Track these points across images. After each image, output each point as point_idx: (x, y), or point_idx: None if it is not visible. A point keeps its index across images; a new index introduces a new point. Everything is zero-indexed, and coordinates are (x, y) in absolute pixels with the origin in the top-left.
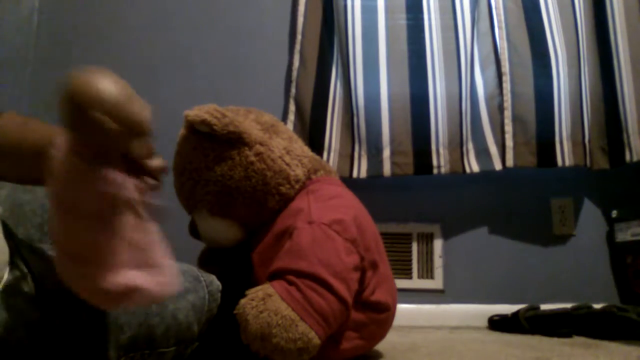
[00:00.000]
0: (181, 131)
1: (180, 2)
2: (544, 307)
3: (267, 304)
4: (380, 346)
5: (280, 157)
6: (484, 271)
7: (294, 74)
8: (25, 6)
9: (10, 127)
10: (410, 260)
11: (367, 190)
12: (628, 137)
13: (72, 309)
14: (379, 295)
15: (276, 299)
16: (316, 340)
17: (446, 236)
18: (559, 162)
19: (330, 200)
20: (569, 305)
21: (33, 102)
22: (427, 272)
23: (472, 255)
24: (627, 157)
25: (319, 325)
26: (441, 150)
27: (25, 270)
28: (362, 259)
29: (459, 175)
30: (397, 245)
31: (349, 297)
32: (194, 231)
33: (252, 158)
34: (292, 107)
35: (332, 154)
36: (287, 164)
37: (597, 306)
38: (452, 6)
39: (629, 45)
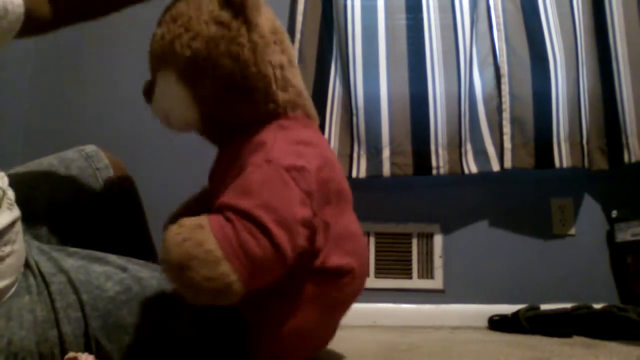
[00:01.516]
0: None
1: None
2: (544, 307)
3: (194, 234)
4: (381, 346)
5: (272, 65)
6: (484, 271)
7: None
8: None
9: None
10: (410, 260)
11: (367, 190)
12: (627, 138)
13: (75, 311)
14: (336, 259)
15: (207, 231)
16: (237, 286)
17: (446, 236)
18: (557, 164)
19: (298, 144)
20: (569, 305)
21: (33, 102)
22: (427, 272)
23: (472, 255)
24: (626, 158)
25: (245, 270)
26: (440, 151)
27: (37, 271)
28: (314, 215)
29: (458, 175)
30: (397, 245)
31: (288, 249)
32: (148, 91)
33: (245, 42)
34: None
35: None
36: (274, 78)
37: (597, 306)
38: (451, 6)
39: (628, 46)
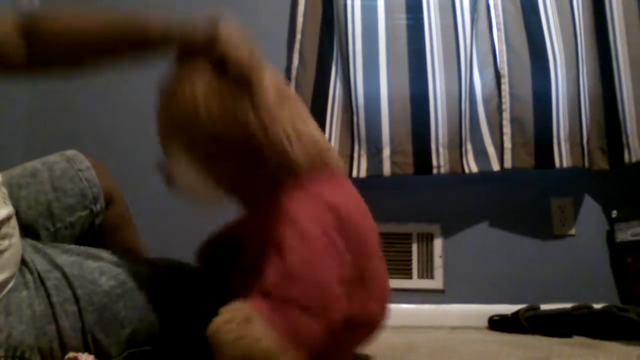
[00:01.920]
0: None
1: (180, 2)
2: (544, 307)
3: (248, 329)
4: (381, 346)
5: (285, 132)
6: (484, 271)
7: (293, 73)
8: (25, 7)
9: (68, 16)
10: (410, 260)
11: (367, 190)
12: (627, 137)
13: (71, 305)
14: (364, 308)
15: (259, 325)
16: None
17: (446, 236)
18: (557, 164)
19: (324, 206)
20: (569, 305)
21: (33, 102)
22: (427, 272)
23: (472, 255)
24: (626, 158)
25: (300, 352)
26: (441, 150)
27: (33, 267)
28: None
29: (458, 175)
30: (397, 245)
31: (336, 323)
32: (167, 175)
33: (254, 120)
34: None
35: None
36: (288, 139)
37: (597, 306)
38: (452, 6)
39: (628, 46)
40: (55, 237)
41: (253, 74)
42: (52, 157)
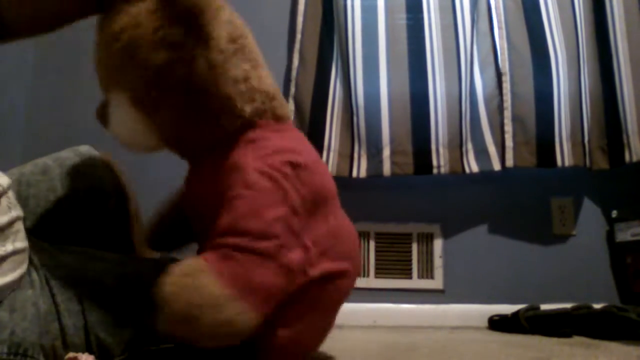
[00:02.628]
0: None
1: None
2: (544, 307)
3: (192, 280)
4: (381, 346)
5: (234, 81)
6: (484, 271)
7: (293, 73)
8: None
9: None
10: (410, 260)
11: (367, 190)
12: (628, 137)
13: (75, 304)
14: (326, 265)
15: (204, 274)
16: (252, 321)
17: (446, 236)
18: (559, 163)
19: (272, 155)
20: (569, 305)
21: (33, 102)
22: (427, 272)
23: (472, 255)
24: (627, 158)
25: (258, 302)
26: (441, 150)
27: (38, 265)
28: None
29: (459, 175)
30: (397, 245)
31: (294, 266)
32: (103, 114)
33: (203, 64)
34: (291, 107)
35: (331, 154)
36: (239, 93)
37: (597, 306)
38: (452, 5)
39: (629, 45)
40: (64, 235)
41: (204, 23)
42: (65, 153)
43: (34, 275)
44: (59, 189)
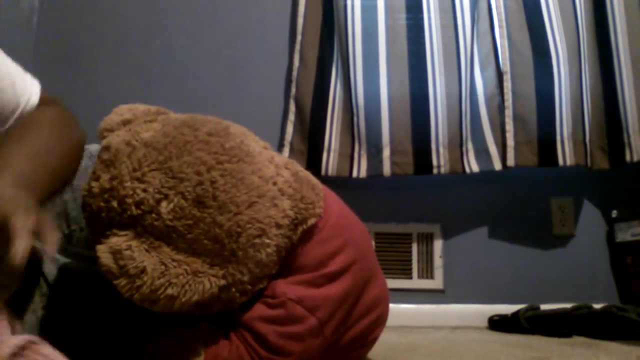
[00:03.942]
0: None
1: (180, 3)
2: (544, 307)
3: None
4: (380, 346)
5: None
6: (484, 271)
7: (294, 73)
8: (25, 6)
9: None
10: (410, 260)
11: (367, 190)
12: (628, 136)
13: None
14: (357, 330)
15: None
16: None
17: (446, 236)
18: (560, 162)
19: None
20: (569, 305)
21: None
22: (427, 272)
23: (472, 255)
24: (627, 157)
25: None
26: (441, 150)
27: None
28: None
29: (459, 175)
30: (397, 245)
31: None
32: None
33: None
34: (292, 107)
35: (332, 154)
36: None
37: (597, 306)
38: (452, 6)
39: (630, 45)
40: (70, 239)
41: None
42: None
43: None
44: (66, 192)
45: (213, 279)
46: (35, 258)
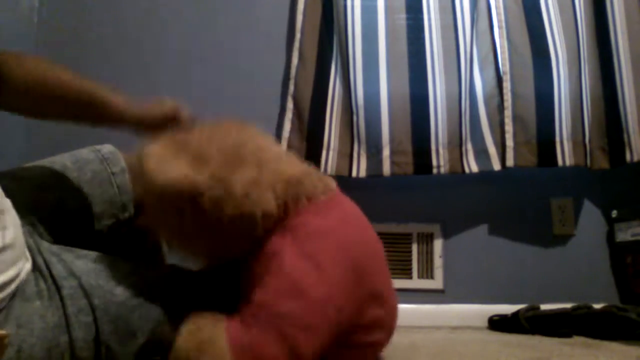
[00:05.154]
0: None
1: (179, 1)
2: (544, 307)
3: (208, 349)
4: None
5: (245, 195)
6: (484, 271)
7: (293, 72)
8: (25, 6)
9: (37, 68)
10: (410, 260)
11: (367, 189)
12: (628, 136)
13: (86, 315)
14: (367, 338)
15: (219, 344)
16: None
17: (446, 236)
18: (560, 162)
19: (310, 258)
20: (569, 305)
21: None
22: (427, 272)
23: (472, 255)
24: (628, 157)
25: None
26: (441, 150)
27: (47, 273)
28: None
29: (458, 175)
30: (397, 245)
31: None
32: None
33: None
34: (290, 105)
35: (331, 153)
36: (255, 201)
37: (597, 306)
38: (452, 6)
39: (629, 45)
40: (77, 242)
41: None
42: (86, 154)
43: (42, 284)
44: (73, 197)
45: None
46: None
